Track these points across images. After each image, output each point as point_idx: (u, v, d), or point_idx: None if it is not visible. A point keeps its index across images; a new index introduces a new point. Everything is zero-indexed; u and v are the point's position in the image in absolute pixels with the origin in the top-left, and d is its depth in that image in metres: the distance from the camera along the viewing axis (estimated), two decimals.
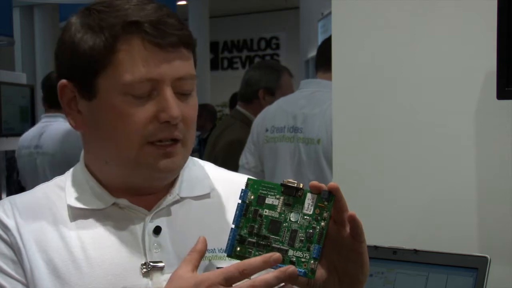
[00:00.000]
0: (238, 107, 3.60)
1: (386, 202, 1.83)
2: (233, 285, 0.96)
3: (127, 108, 1.09)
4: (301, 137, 2.88)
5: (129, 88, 1.09)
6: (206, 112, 7.56)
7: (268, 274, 0.96)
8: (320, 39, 6.59)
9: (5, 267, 1.11)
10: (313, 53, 7.39)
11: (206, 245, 1.02)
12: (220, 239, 1.12)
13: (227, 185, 1.25)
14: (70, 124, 1.17)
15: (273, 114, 3.04)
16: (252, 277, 0.97)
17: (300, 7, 8.58)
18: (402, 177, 1.82)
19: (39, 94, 8.40)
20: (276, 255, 0.98)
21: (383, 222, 1.81)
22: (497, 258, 1.57)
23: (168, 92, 1.09)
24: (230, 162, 3.18)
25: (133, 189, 1.16)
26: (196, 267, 1.00)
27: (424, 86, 1.79)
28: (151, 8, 1.11)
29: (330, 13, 2.06)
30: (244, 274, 0.96)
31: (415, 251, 1.61)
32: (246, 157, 3.12)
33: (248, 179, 1.04)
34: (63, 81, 1.15)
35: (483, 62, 1.68)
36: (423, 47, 1.78)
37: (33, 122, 7.14)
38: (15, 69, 9.21)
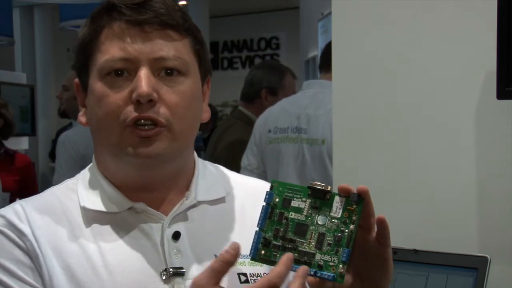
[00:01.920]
0: (240, 107, 3.59)
1: (386, 202, 1.83)
2: None
3: (104, 90, 1.07)
4: (305, 137, 2.88)
5: (105, 69, 1.07)
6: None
7: (293, 284, 0.92)
8: (320, 39, 6.58)
9: (23, 275, 1.06)
10: (313, 53, 7.39)
11: (237, 256, 0.94)
12: None
13: (242, 188, 1.22)
14: (80, 121, 1.16)
15: (275, 115, 3.03)
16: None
17: (300, 7, 8.57)
18: (402, 177, 1.82)
19: (39, 94, 8.40)
20: (289, 254, 0.94)
21: None
22: (497, 258, 1.57)
23: (142, 71, 1.06)
24: (232, 163, 3.18)
25: (141, 186, 1.12)
26: (219, 280, 0.93)
27: (424, 86, 1.79)
28: None
29: (330, 13, 2.06)
30: (276, 286, 0.91)
31: (415, 251, 1.61)
32: (248, 159, 3.11)
33: (273, 181, 1.01)
34: (76, 80, 1.16)
35: (483, 62, 1.68)
36: (423, 47, 1.78)
37: (33, 122, 7.14)
38: (15, 69, 9.20)
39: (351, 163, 1.89)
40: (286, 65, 3.88)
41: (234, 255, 0.93)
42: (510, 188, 1.68)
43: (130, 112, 1.06)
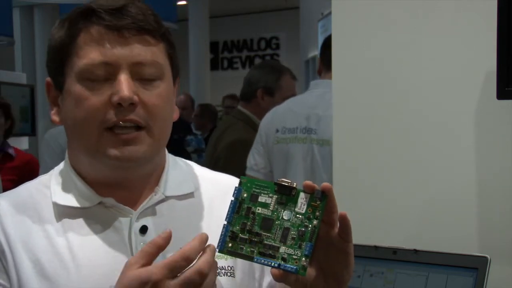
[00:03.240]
0: (239, 107, 3.59)
1: (386, 202, 1.83)
2: (179, 275, 0.96)
3: (83, 93, 1.09)
4: (315, 138, 2.88)
5: (85, 72, 1.09)
6: (207, 112, 7.56)
7: (206, 255, 0.97)
8: (320, 39, 6.58)
9: None
10: (313, 53, 7.39)
11: (168, 242, 0.99)
12: None
13: (211, 184, 1.26)
14: (53, 120, 1.18)
15: (282, 115, 3.03)
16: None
17: (300, 7, 8.57)
18: (402, 177, 1.82)
19: (39, 94, 8.41)
20: (203, 234, 0.99)
21: (383, 222, 1.81)
22: (497, 258, 1.57)
23: (122, 76, 1.09)
24: (232, 162, 3.17)
25: (114, 183, 1.15)
26: (150, 262, 0.98)
27: (424, 86, 1.79)
28: (118, 0, 1.12)
29: (330, 13, 2.06)
30: (189, 260, 0.96)
31: (415, 251, 1.61)
32: (254, 159, 3.10)
33: (242, 177, 1.05)
34: (47, 79, 1.18)
35: (483, 62, 1.68)
36: (423, 47, 1.78)
37: (33, 122, 7.14)
38: (15, 69, 9.21)
39: (351, 163, 1.89)
40: (286, 65, 3.87)
41: (164, 239, 0.98)
42: (510, 188, 1.69)
43: (110, 115, 1.09)
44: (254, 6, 13.43)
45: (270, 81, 3.42)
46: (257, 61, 13.48)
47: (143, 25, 1.11)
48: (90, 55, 1.09)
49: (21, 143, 6.59)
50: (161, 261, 0.97)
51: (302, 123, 2.93)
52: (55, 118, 1.18)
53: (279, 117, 3.04)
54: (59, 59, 1.13)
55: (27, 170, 4.24)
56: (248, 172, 3.08)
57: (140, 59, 1.10)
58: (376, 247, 1.63)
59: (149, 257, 0.98)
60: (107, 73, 1.09)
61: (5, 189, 3.94)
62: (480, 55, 1.69)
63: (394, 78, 1.82)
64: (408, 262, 1.61)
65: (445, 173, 1.76)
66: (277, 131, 3.01)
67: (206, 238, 0.99)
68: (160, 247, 0.99)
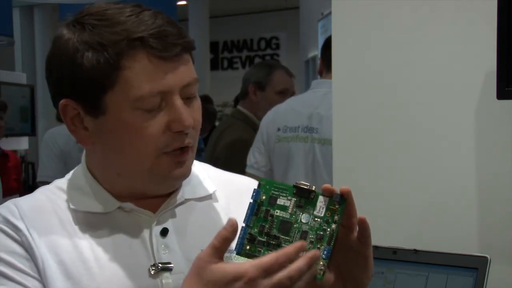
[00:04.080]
0: (238, 106, 3.60)
1: (386, 202, 1.83)
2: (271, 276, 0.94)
3: (139, 122, 1.09)
4: (316, 137, 2.89)
5: (140, 103, 1.08)
6: (206, 112, 7.55)
7: (299, 262, 0.95)
8: (320, 39, 6.58)
9: (21, 265, 1.09)
10: (313, 53, 7.39)
11: (235, 232, 0.97)
12: None
13: (228, 186, 1.26)
14: (82, 144, 1.16)
15: (284, 114, 3.03)
16: None
17: (300, 7, 8.57)
18: (402, 177, 1.82)
19: (39, 94, 8.41)
20: (301, 242, 0.97)
21: (383, 222, 1.81)
22: (497, 258, 1.57)
23: (178, 102, 1.09)
24: (232, 162, 3.17)
25: (139, 194, 1.16)
26: (222, 257, 0.97)
27: (424, 86, 1.79)
28: (148, 18, 1.09)
29: (330, 13, 2.06)
30: (283, 266, 0.94)
31: (415, 251, 1.61)
32: (254, 157, 3.11)
33: (261, 179, 1.04)
34: (64, 100, 1.13)
35: (483, 62, 1.68)
36: (423, 47, 1.78)
37: (33, 122, 7.15)
38: (15, 69, 9.21)
39: (351, 163, 1.89)
40: (286, 65, 3.88)
41: (231, 231, 0.96)
42: (510, 188, 1.68)
43: (169, 141, 1.10)
44: (254, 6, 13.43)
45: (261, 76, 3.43)
46: (257, 61, 13.47)
47: (186, 46, 1.11)
48: (143, 86, 1.07)
49: (21, 143, 6.59)
50: (256, 259, 0.95)
51: (304, 122, 2.93)
52: (79, 139, 1.15)
53: (280, 115, 3.04)
54: (97, 85, 1.08)
55: (19, 170, 4.27)
56: (248, 170, 3.08)
57: (188, 80, 1.11)
58: (376, 247, 1.63)
59: (220, 252, 0.97)
60: (160, 100, 1.09)
61: (14, 188, 3.97)
62: (480, 55, 1.69)
63: (394, 78, 1.82)
64: (408, 262, 1.61)
65: (445, 173, 1.76)
66: (279, 129, 3.01)
67: (302, 247, 0.97)
68: (228, 240, 0.97)
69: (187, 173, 1.15)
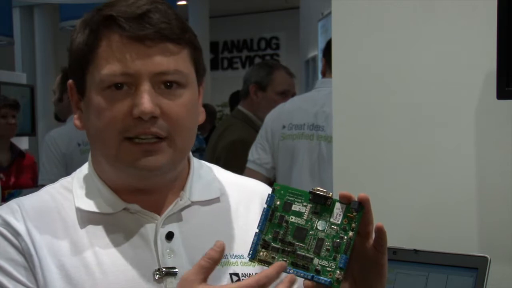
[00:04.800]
0: (239, 106, 3.60)
1: (386, 202, 1.83)
2: None
3: (104, 104, 1.08)
4: (322, 135, 2.89)
5: (105, 83, 1.07)
6: (206, 112, 7.54)
7: (281, 285, 0.93)
8: (320, 39, 6.58)
9: (17, 274, 1.07)
10: (313, 53, 7.38)
11: (222, 255, 0.96)
12: (231, 245, 1.13)
13: (236, 189, 1.23)
14: (75, 124, 1.17)
15: (289, 112, 3.04)
16: None
17: (300, 7, 8.57)
18: (402, 177, 1.82)
19: (39, 94, 8.41)
20: (281, 263, 0.96)
21: (383, 222, 1.80)
22: (497, 258, 1.57)
23: (143, 87, 1.06)
24: (232, 162, 3.17)
25: (138, 190, 1.13)
26: (207, 277, 0.95)
27: (424, 86, 1.79)
28: (143, 3, 1.08)
29: (330, 13, 2.06)
30: (263, 287, 0.93)
31: (415, 251, 1.61)
32: (257, 153, 3.10)
33: (275, 184, 1.02)
34: (69, 81, 1.16)
35: (483, 62, 1.68)
36: (423, 47, 1.78)
37: (33, 122, 7.15)
38: (15, 69, 9.20)
39: (351, 163, 1.89)
40: (286, 65, 3.88)
41: (219, 252, 0.95)
42: (510, 188, 1.68)
43: (130, 126, 1.07)
44: (254, 6, 13.42)
45: (262, 76, 3.43)
46: (257, 61, 13.46)
47: (166, 34, 1.07)
48: (110, 66, 1.07)
49: (21, 143, 6.59)
50: (238, 282, 0.95)
51: (310, 120, 2.94)
52: (78, 123, 1.16)
53: (286, 113, 3.04)
54: (80, 65, 1.11)
55: (35, 169, 4.32)
56: (249, 165, 3.08)
57: (162, 69, 1.07)
58: None
59: (206, 272, 0.95)
60: (127, 83, 1.07)
61: (30, 187, 3.99)
62: (480, 55, 1.69)
63: (394, 78, 1.82)
64: (408, 262, 1.61)
65: (445, 173, 1.76)
66: (284, 127, 3.01)
67: (283, 267, 0.95)
68: (216, 260, 0.96)
69: (156, 165, 1.08)
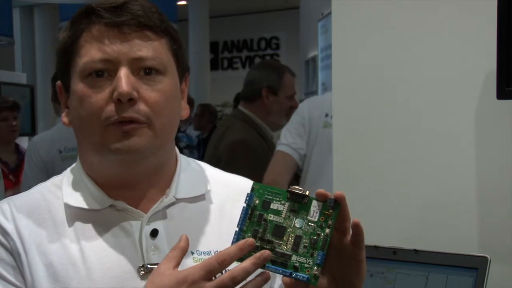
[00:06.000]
0: (240, 107, 3.59)
1: (386, 202, 1.83)
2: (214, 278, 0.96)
3: (86, 91, 1.10)
4: None
5: (86, 70, 1.10)
6: (207, 112, 7.56)
7: (244, 262, 0.97)
8: (320, 39, 6.59)
9: (5, 273, 1.10)
10: (313, 53, 7.38)
11: (188, 243, 1.02)
12: (216, 242, 1.14)
13: (223, 186, 1.25)
14: (63, 121, 1.19)
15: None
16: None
17: (300, 7, 8.58)
18: (402, 177, 1.82)
19: (39, 94, 8.40)
20: (250, 240, 0.98)
21: (383, 222, 1.81)
22: (497, 258, 1.57)
23: (122, 72, 1.09)
24: (234, 163, 3.17)
25: (122, 184, 1.15)
26: (178, 264, 0.99)
27: (424, 86, 1.79)
28: None
29: (330, 13, 2.06)
30: (224, 264, 0.96)
31: (415, 251, 1.61)
32: (293, 137, 3.06)
33: (254, 183, 1.04)
34: (58, 82, 1.18)
35: (483, 62, 1.68)
36: (423, 47, 1.78)
37: (33, 122, 7.14)
38: (15, 69, 9.21)
39: (351, 163, 1.89)
40: (286, 65, 3.88)
41: (184, 240, 1.02)
42: (510, 188, 1.69)
43: (112, 111, 1.09)
44: (254, 6, 13.43)
45: (273, 80, 3.43)
46: (257, 61, 13.48)
47: (143, 21, 1.11)
48: (90, 52, 1.10)
49: (21, 143, 6.58)
50: (199, 264, 0.97)
51: None
52: (65, 119, 1.18)
53: (329, 102, 3.02)
54: (64, 60, 1.14)
55: None
56: (282, 148, 3.05)
57: (141, 54, 1.10)
58: (376, 247, 1.63)
59: (176, 260, 1.00)
60: (107, 70, 1.10)
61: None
62: (480, 55, 1.69)
63: (394, 78, 1.82)
64: (408, 262, 1.61)
65: (445, 173, 1.76)
66: (327, 115, 2.99)
67: (248, 245, 0.98)
68: (181, 248, 1.01)
69: (134, 147, 1.10)
